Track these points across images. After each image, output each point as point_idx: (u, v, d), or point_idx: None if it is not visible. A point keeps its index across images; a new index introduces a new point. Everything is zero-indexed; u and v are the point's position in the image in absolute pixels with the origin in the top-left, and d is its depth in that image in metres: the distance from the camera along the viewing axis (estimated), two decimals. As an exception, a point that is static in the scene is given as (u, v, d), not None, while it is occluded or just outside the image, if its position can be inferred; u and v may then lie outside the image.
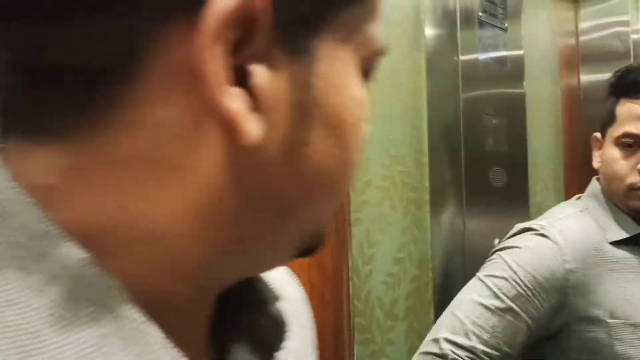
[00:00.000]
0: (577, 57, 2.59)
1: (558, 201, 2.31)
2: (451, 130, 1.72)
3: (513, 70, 1.96)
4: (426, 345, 1.06)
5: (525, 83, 1.98)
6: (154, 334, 0.29)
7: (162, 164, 0.29)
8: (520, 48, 1.99)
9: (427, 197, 1.66)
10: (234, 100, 0.28)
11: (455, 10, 1.76)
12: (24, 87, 0.29)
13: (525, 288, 1.06)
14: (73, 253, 0.28)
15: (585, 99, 2.57)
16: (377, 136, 1.55)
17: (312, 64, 0.31)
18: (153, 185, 0.29)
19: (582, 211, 1.18)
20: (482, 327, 1.05)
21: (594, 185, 1.20)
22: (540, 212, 2.14)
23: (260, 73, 0.29)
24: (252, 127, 0.28)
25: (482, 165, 1.81)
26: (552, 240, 1.09)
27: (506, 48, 1.94)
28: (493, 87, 1.87)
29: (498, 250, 1.14)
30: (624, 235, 1.11)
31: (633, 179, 1.10)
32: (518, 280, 1.06)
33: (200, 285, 0.32)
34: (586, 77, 2.61)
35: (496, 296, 1.06)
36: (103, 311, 0.28)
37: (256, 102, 0.29)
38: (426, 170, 1.67)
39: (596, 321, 1.06)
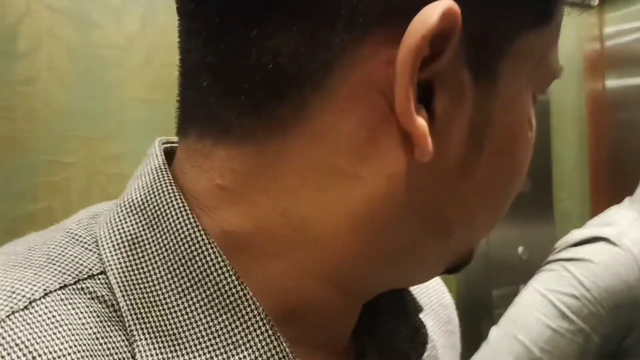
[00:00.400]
0: (602, 62, 2.55)
1: (584, 208, 2.28)
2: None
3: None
4: None
5: (549, 89, 1.96)
6: (280, 347, 0.30)
7: (334, 172, 0.29)
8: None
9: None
10: (420, 117, 0.28)
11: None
12: (211, 86, 0.30)
13: (599, 307, 0.96)
14: (214, 260, 0.30)
15: (611, 104, 2.53)
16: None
17: (493, 84, 0.30)
18: (321, 193, 0.30)
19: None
20: (551, 353, 0.96)
21: None
22: (566, 219, 2.11)
23: (443, 90, 0.29)
24: (430, 144, 0.28)
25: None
26: (628, 252, 0.99)
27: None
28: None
29: (562, 260, 1.02)
30: None
31: None
32: (591, 298, 0.96)
33: (349, 292, 0.33)
34: (612, 82, 2.57)
35: (565, 316, 0.97)
36: (235, 320, 0.30)
37: (436, 119, 0.29)
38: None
39: None
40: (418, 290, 0.48)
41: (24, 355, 0.27)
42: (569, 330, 0.95)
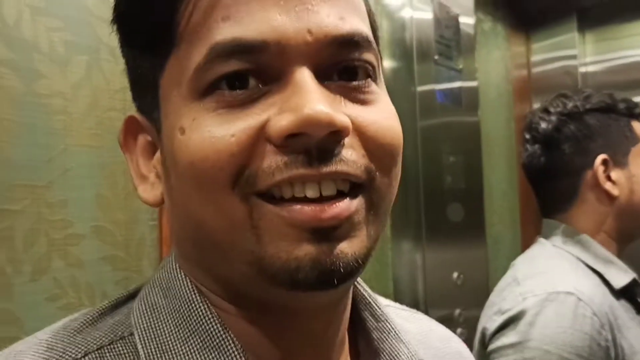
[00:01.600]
0: (529, 88, 2.68)
1: (514, 232, 2.38)
2: (410, 169, 1.77)
3: (468, 104, 2.02)
4: None
5: (479, 116, 2.04)
6: None
7: None
8: (474, 81, 2.05)
9: (388, 233, 1.69)
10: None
11: (411, 49, 1.81)
12: None
13: None
14: (207, 315, 0.45)
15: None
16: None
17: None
18: None
19: (574, 263, 1.12)
20: None
21: (570, 230, 1.16)
22: (497, 244, 2.20)
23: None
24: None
25: (441, 202, 1.86)
26: (591, 312, 1.00)
27: (460, 81, 1.99)
28: (450, 123, 1.92)
29: (522, 328, 1.02)
30: (623, 283, 1.09)
31: None
32: None
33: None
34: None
35: None
36: (221, 356, 0.44)
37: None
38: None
39: None
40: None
41: None
42: None
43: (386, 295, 1.74)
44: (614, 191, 1.14)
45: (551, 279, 1.07)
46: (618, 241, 1.15)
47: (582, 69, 2.71)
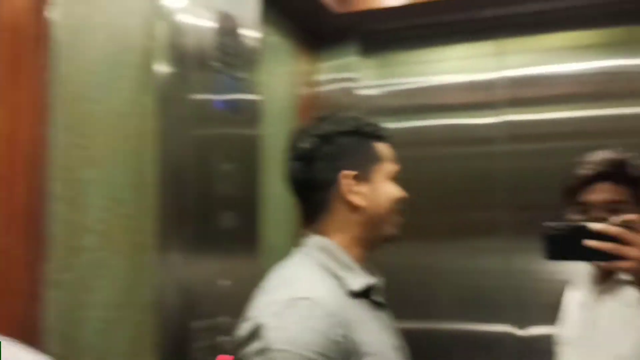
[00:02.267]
0: (312, 106, 2.80)
1: (288, 242, 2.45)
2: (181, 174, 1.75)
3: (247, 115, 2.05)
4: None
5: (260, 128, 2.08)
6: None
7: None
8: (256, 94, 2.08)
9: (152, 240, 1.65)
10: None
11: (189, 56, 1.80)
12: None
13: None
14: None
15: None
16: (97, 179, 1.52)
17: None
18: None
19: (317, 269, 1.23)
20: None
21: (320, 240, 1.27)
22: (273, 253, 2.25)
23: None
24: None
25: (212, 209, 1.85)
26: (323, 312, 1.10)
27: (241, 92, 2.02)
28: (228, 133, 1.93)
29: (261, 336, 1.10)
30: (359, 287, 1.21)
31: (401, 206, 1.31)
32: None
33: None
34: (322, 126, 2.83)
35: None
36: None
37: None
38: (151, 213, 1.66)
39: None
40: None
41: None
42: None
43: (148, 304, 1.71)
44: (359, 203, 1.26)
45: (293, 287, 1.18)
46: (364, 248, 1.29)
47: (362, 92, 2.89)
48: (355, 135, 1.30)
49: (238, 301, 1.84)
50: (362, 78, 2.89)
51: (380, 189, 1.29)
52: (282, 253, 2.34)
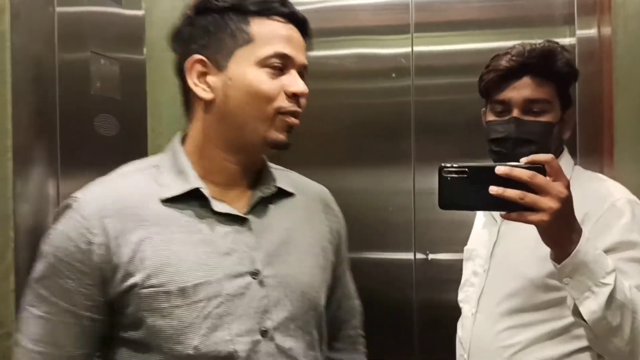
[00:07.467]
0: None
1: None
2: (39, 79, 1.50)
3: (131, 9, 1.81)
4: None
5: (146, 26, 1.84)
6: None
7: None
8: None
9: (8, 142, 1.41)
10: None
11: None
12: None
13: (66, 279, 0.94)
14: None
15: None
16: None
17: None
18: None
19: (146, 169, 1.04)
20: (46, 343, 0.95)
21: (175, 138, 1.07)
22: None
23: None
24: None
25: (86, 111, 1.63)
26: (80, 215, 0.95)
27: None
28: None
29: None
30: (175, 192, 0.99)
31: (282, 103, 0.99)
32: (51, 274, 0.96)
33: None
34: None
35: (46, 300, 0.95)
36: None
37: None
38: (8, 112, 1.42)
39: (132, 294, 0.95)
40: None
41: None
42: (51, 312, 0.97)
43: (4, 218, 1.48)
44: (203, 95, 1.01)
45: (91, 186, 1.03)
46: (229, 151, 1.03)
47: None
48: (228, 11, 1.00)
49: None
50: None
51: (239, 79, 0.99)
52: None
